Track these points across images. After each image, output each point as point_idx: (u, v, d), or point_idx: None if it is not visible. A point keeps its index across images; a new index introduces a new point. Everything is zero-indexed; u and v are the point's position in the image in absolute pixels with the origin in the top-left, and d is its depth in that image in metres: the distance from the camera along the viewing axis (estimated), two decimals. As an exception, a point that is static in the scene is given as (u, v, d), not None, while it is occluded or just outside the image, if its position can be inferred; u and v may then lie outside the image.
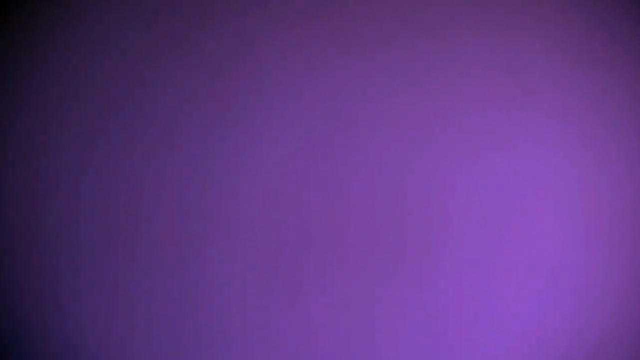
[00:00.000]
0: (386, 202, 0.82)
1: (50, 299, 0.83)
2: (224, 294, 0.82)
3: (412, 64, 0.83)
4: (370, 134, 0.82)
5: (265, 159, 0.83)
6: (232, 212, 0.82)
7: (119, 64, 0.83)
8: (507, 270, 0.81)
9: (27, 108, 0.83)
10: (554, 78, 0.82)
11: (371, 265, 0.82)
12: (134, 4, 0.84)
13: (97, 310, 0.82)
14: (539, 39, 0.82)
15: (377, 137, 0.82)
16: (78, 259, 0.83)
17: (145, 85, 0.83)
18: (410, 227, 0.82)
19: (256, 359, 0.82)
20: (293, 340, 0.82)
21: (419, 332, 0.81)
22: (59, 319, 0.83)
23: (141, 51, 0.83)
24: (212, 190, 0.83)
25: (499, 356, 0.81)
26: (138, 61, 0.83)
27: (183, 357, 0.82)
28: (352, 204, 0.82)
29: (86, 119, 0.83)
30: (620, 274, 0.81)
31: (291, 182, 0.82)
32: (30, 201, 0.83)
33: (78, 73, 0.84)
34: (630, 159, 0.82)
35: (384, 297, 0.82)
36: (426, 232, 0.82)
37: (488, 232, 0.82)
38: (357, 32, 0.83)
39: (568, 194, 0.82)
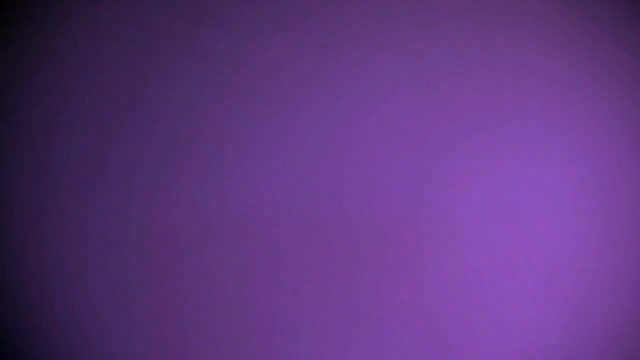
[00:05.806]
0: (385, 202, 0.82)
1: (51, 298, 0.83)
2: (226, 294, 0.82)
3: (411, 64, 0.83)
4: (370, 133, 0.83)
5: (272, 158, 0.83)
6: (234, 211, 0.82)
7: (123, 65, 0.83)
8: (507, 270, 0.82)
9: (32, 109, 0.83)
10: (554, 78, 0.82)
11: (373, 265, 0.82)
12: (137, 4, 0.84)
13: (98, 310, 0.83)
14: (539, 39, 0.82)
15: (376, 137, 0.83)
16: (80, 259, 0.83)
17: (151, 86, 0.83)
18: (410, 227, 0.82)
19: (258, 358, 0.82)
20: (295, 340, 0.82)
21: (418, 331, 0.82)
22: (59, 319, 0.83)
23: (146, 52, 0.83)
24: (212, 189, 0.83)
25: (498, 356, 0.81)
26: (144, 62, 0.83)
27: (184, 357, 0.82)
28: (351, 204, 0.82)
29: (92, 119, 0.83)
30: (621, 274, 0.81)
31: (296, 181, 0.82)
32: (36, 202, 0.83)
33: (80, 73, 0.84)
34: (630, 159, 0.82)
35: (384, 297, 0.82)
36: (426, 232, 0.82)
37: (488, 232, 0.82)
38: (363, 32, 0.83)
39: (568, 194, 0.82)
